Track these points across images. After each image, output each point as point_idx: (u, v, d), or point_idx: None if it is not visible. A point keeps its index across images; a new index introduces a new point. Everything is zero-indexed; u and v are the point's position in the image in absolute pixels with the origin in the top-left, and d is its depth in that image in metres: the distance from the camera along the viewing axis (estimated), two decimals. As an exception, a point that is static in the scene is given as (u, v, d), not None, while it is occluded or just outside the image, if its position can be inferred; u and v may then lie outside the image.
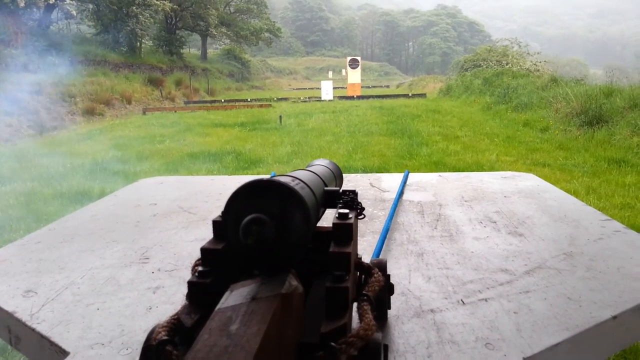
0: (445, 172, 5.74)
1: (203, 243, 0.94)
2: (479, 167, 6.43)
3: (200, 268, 0.49)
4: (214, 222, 0.53)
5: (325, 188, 0.61)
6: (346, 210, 0.54)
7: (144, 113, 17.14)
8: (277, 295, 0.41)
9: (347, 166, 6.63)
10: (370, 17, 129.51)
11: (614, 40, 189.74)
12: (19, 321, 0.66)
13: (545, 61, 25.14)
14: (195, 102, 22.40)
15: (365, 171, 6.28)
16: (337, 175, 0.77)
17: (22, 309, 0.69)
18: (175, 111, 17.74)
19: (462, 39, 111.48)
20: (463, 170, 6.24)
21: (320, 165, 0.74)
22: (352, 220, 0.52)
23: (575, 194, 5.14)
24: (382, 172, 6.29)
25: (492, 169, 6.39)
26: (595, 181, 5.74)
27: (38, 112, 13.26)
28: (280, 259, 0.45)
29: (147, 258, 0.86)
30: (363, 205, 0.60)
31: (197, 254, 0.89)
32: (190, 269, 0.81)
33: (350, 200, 0.58)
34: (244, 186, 0.45)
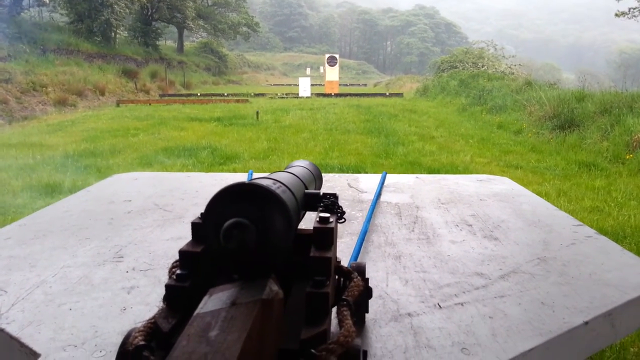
0: (421, 172, 5.79)
1: (179, 242, 0.93)
2: (454, 168, 6.51)
3: (178, 271, 0.48)
4: (193, 224, 0.52)
5: (306, 191, 0.61)
6: (327, 214, 0.53)
7: (118, 105, 16.85)
8: (257, 300, 0.41)
9: (324, 164, 6.63)
10: (349, 15, 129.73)
11: (586, 46, 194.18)
12: None
13: (519, 64, 25.58)
14: (170, 95, 22.12)
15: (341, 169, 6.30)
16: (316, 177, 0.77)
17: None
18: (150, 104, 17.49)
19: (439, 40, 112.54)
20: (438, 171, 6.31)
21: (300, 166, 0.74)
22: (332, 225, 0.52)
23: (546, 196, 5.25)
24: (359, 171, 6.31)
25: (466, 169, 6.48)
26: (566, 184, 5.87)
27: (7, 102, 12.91)
28: (260, 263, 0.45)
29: (121, 257, 0.84)
30: (343, 209, 0.60)
31: (173, 254, 0.88)
32: (165, 268, 0.80)
33: (331, 204, 0.58)
34: (225, 189, 0.45)
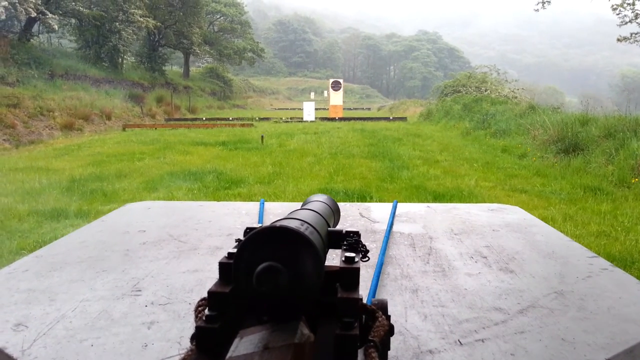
0: (426, 196, 5.75)
1: (195, 275, 0.93)
2: (459, 192, 6.51)
3: (207, 312, 0.49)
4: (221, 264, 0.52)
5: (329, 229, 0.62)
6: (353, 254, 0.54)
7: (124, 129, 17.00)
8: (290, 345, 0.41)
9: (329, 188, 6.64)
10: (353, 40, 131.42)
11: (588, 70, 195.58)
12: (9, 358, 0.64)
13: (522, 88, 25.76)
14: (176, 120, 22.32)
15: (347, 193, 6.31)
16: (334, 211, 0.78)
17: (12, 345, 0.67)
18: (156, 128, 17.64)
19: (442, 65, 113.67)
20: (443, 195, 6.31)
21: (319, 201, 0.74)
22: (358, 265, 0.52)
23: (552, 221, 5.23)
24: (364, 195, 6.29)
25: (471, 194, 6.47)
26: (571, 208, 5.85)
27: (15, 126, 13.05)
28: (292, 305, 0.45)
29: (139, 290, 0.84)
30: (366, 247, 0.60)
31: (190, 287, 0.89)
32: (184, 302, 0.80)
33: (355, 243, 0.58)
34: (257, 233, 0.45)
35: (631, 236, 4.76)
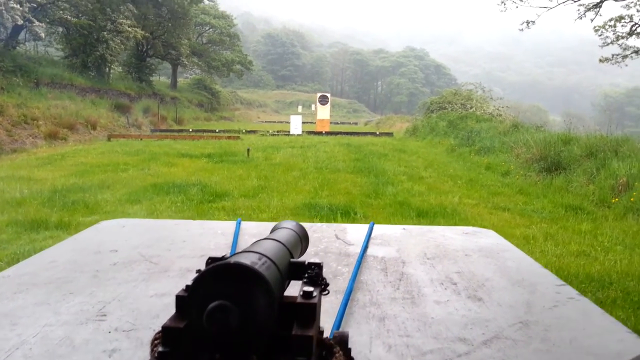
0: (410, 212, 5.75)
1: (162, 299, 0.93)
2: (442, 209, 6.54)
3: (160, 348, 0.48)
4: (178, 298, 0.52)
5: (291, 260, 0.62)
6: (311, 288, 0.54)
7: (109, 139, 16.87)
8: None
9: (313, 203, 6.64)
10: (341, 55, 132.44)
11: (572, 89, 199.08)
12: None
13: (507, 106, 26.07)
14: (162, 131, 22.20)
15: (331, 209, 6.31)
16: (302, 238, 0.78)
17: None
18: (141, 139, 17.52)
19: (429, 81, 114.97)
20: (427, 212, 6.34)
21: (287, 228, 0.74)
22: (316, 300, 0.52)
23: (533, 239, 5.27)
24: (348, 210, 6.28)
25: (454, 211, 6.51)
26: (553, 227, 5.90)
27: (-3, 134, 12.89)
28: (243, 344, 0.45)
29: (105, 315, 0.83)
30: (327, 280, 0.60)
31: (156, 312, 0.88)
32: (148, 329, 0.80)
33: (315, 276, 0.58)
34: (210, 270, 0.45)
35: (610, 256, 4.81)
